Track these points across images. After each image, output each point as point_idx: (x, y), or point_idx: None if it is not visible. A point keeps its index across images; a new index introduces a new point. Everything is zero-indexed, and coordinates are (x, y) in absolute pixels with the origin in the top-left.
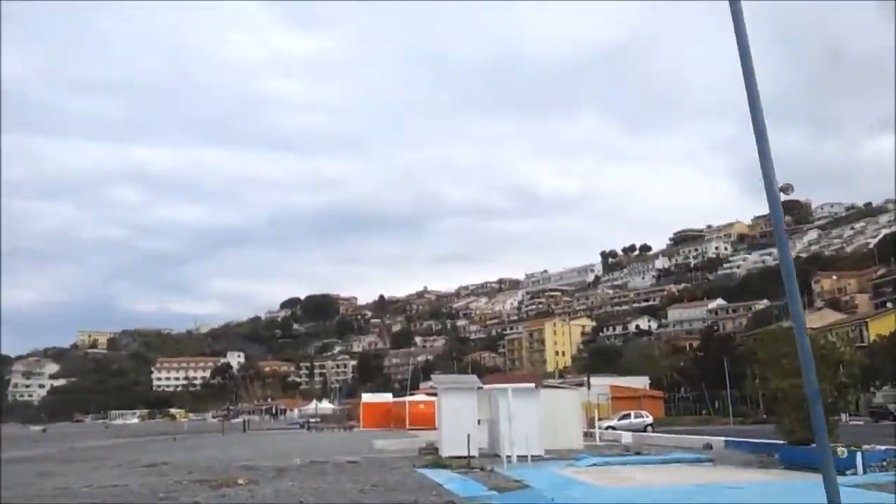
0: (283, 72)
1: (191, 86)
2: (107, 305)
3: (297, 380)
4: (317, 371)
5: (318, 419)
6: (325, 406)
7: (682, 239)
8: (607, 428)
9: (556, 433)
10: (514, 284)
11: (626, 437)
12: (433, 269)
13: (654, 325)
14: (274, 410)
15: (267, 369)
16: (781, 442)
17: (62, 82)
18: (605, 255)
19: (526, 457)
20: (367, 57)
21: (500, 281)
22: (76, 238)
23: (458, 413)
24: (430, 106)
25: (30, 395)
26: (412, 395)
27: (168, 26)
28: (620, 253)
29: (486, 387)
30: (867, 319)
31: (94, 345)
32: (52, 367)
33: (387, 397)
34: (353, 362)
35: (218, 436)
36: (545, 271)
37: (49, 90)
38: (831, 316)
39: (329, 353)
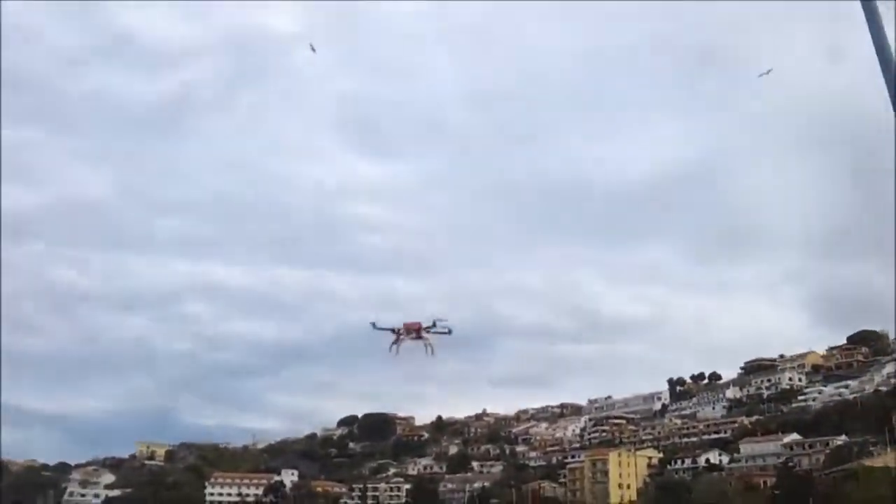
0: (356, 195)
1: (268, 207)
2: (168, 417)
3: (349, 502)
4: (370, 494)
5: None
6: None
7: (754, 368)
8: None
9: None
10: (577, 410)
11: None
12: (493, 391)
13: (725, 459)
14: None
15: (319, 489)
16: None
17: (147, 203)
18: (672, 383)
19: None
20: (435, 182)
21: (562, 406)
22: (147, 350)
23: None
24: (499, 229)
25: None
26: None
27: (249, 153)
28: (689, 381)
29: None
30: None
31: (151, 456)
32: (109, 478)
33: None
34: (408, 486)
35: None
36: (609, 397)
37: (135, 210)
38: None
39: (383, 475)
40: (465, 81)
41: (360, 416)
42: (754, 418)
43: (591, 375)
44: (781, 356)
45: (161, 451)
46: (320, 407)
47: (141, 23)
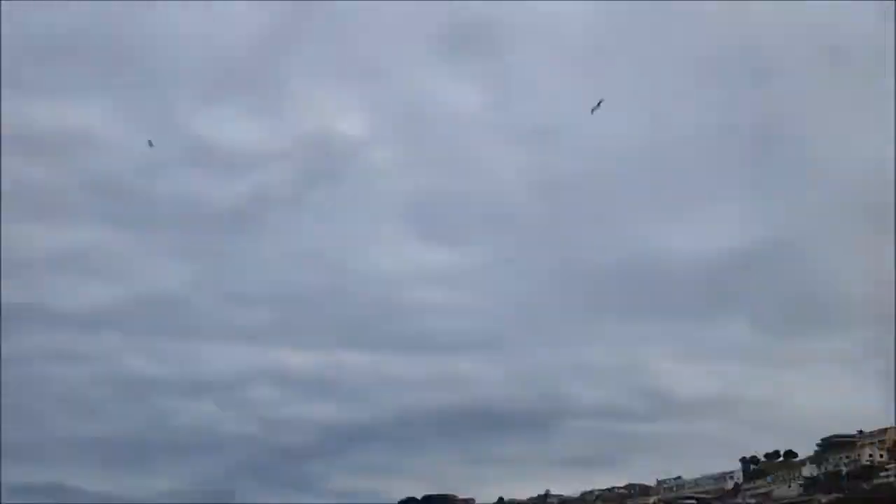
0: (421, 281)
1: (335, 294)
2: (227, 499)
3: None
4: None
5: None
6: None
7: (831, 445)
8: None
9: None
10: (645, 490)
11: None
12: (558, 472)
13: None
14: None
15: None
16: None
17: (222, 295)
18: (745, 461)
19: None
20: (501, 264)
21: (629, 486)
22: (212, 434)
23: None
24: (565, 308)
25: None
26: None
27: (320, 246)
28: (763, 459)
29: None
30: None
31: None
32: None
33: None
34: None
35: None
36: (679, 477)
37: (210, 301)
38: None
39: None
40: (530, 171)
41: (419, 497)
42: (833, 496)
43: (659, 455)
44: (860, 432)
45: None
46: (380, 487)
47: (217, 128)
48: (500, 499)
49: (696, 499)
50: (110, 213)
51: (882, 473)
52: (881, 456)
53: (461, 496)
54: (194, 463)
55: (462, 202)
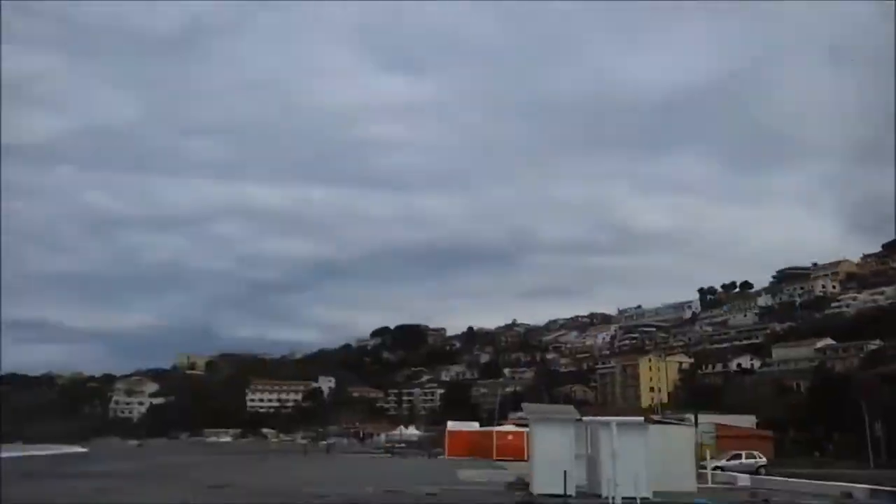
0: (381, 114)
1: (294, 128)
2: (207, 331)
3: (385, 406)
4: (404, 398)
5: (404, 445)
6: (412, 432)
7: (786, 277)
8: (715, 468)
9: (664, 473)
10: (607, 319)
11: (744, 480)
12: (524, 303)
13: (756, 364)
14: (361, 434)
15: (356, 395)
16: None
17: (175, 125)
18: (703, 292)
19: (634, 499)
20: (463, 98)
21: (592, 315)
22: (183, 269)
23: (552, 446)
24: (528, 144)
25: (130, 412)
26: (500, 425)
27: (274, 73)
28: (720, 290)
29: (586, 419)
30: None
31: (192, 367)
32: (153, 387)
33: (473, 426)
34: (441, 391)
35: (300, 457)
36: (639, 307)
37: (163, 133)
38: None
39: (417, 382)
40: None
41: (392, 327)
42: (786, 325)
43: (621, 286)
44: (815, 264)
45: (201, 362)
46: (354, 319)
47: None
48: (470, 328)
49: (656, 327)
50: (44, 37)
51: (834, 304)
52: (833, 287)
53: (432, 326)
54: (170, 298)
55: (420, 29)
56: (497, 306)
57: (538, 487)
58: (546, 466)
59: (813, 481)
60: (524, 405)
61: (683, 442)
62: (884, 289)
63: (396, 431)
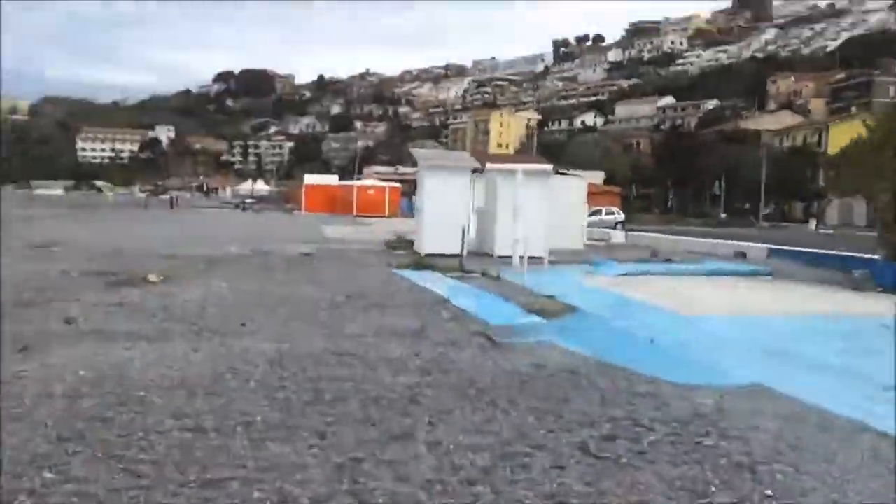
0: None
1: None
2: (26, 71)
3: (231, 159)
4: (251, 151)
5: (254, 200)
6: (261, 187)
7: (638, 31)
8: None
9: (556, 229)
10: (461, 71)
11: (617, 237)
12: (377, 51)
13: (600, 121)
14: (205, 188)
15: (198, 146)
16: (866, 256)
17: None
18: (556, 45)
19: (538, 259)
20: None
21: (447, 67)
22: None
23: (446, 199)
24: None
25: None
26: (359, 179)
27: None
28: (573, 43)
29: (490, 166)
30: (830, 123)
31: (13, 111)
32: None
33: (332, 180)
34: (290, 144)
35: (140, 211)
36: (494, 58)
37: None
38: (788, 118)
39: (264, 133)
40: None
41: (236, 72)
42: (633, 81)
43: (476, 37)
44: (667, 18)
45: (24, 105)
46: (192, 61)
47: None
48: (321, 76)
49: (509, 80)
50: None
51: (679, 61)
52: (681, 44)
53: (280, 72)
54: None
55: None
56: (350, 54)
57: (426, 247)
58: (437, 223)
59: (697, 239)
60: (414, 150)
61: (576, 195)
62: (728, 48)
63: (245, 186)
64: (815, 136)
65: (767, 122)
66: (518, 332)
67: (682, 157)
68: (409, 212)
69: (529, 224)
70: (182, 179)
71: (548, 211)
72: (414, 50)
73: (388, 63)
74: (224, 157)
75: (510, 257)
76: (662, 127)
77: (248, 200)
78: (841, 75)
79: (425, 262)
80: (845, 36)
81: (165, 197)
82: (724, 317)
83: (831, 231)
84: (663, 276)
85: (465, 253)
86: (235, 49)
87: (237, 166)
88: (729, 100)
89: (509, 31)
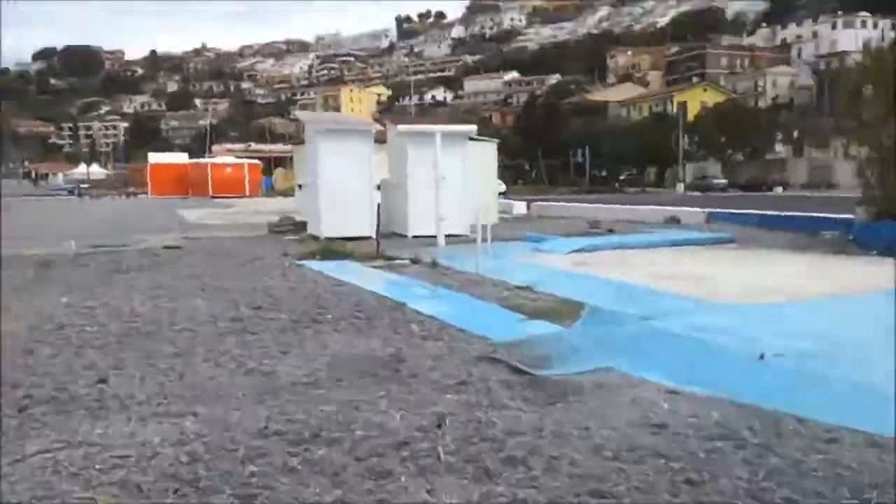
0: None
1: None
2: None
3: (59, 142)
4: (82, 133)
5: (90, 185)
6: (97, 170)
7: (478, 9)
8: None
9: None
10: (304, 47)
11: (519, 208)
12: (213, 25)
13: (450, 96)
14: (33, 175)
15: (23, 130)
16: (831, 216)
17: None
18: (399, 21)
19: (443, 237)
20: None
21: (288, 42)
22: None
23: (347, 170)
24: None
25: None
26: (212, 156)
27: None
28: (416, 19)
29: (401, 127)
30: (673, 93)
31: None
32: None
33: (181, 158)
34: (125, 124)
35: None
36: (337, 33)
37: None
38: (631, 90)
39: (95, 114)
40: None
41: (59, 48)
42: (477, 57)
43: (317, 11)
44: None
45: None
46: (6, 37)
47: None
48: (153, 52)
49: (354, 56)
50: None
51: (520, 37)
52: (520, 21)
53: (108, 48)
54: None
55: None
56: (184, 29)
57: (326, 228)
58: (338, 200)
59: (623, 206)
60: (300, 114)
61: (489, 162)
62: (564, 24)
63: (78, 170)
64: (660, 106)
65: (613, 94)
66: (545, 353)
67: (548, 128)
68: (270, 190)
69: (448, 197)
70: (6, 167)
71: (467, 180)
72: (251, 24)
73: (225, 38)
74: (52, 141)
75: (428, 237)
76: (510, 101)
77: (84, 186)
78: (674, 49)
79: (333, 249)
80: (672, 13)
81: None
82: (798, 305)
83: (697, 193)
84: (625, 251)
85: (376, 235)
86: (56, 23)
87: (67, 150)
88: (570, 74)
89: (351, 6)
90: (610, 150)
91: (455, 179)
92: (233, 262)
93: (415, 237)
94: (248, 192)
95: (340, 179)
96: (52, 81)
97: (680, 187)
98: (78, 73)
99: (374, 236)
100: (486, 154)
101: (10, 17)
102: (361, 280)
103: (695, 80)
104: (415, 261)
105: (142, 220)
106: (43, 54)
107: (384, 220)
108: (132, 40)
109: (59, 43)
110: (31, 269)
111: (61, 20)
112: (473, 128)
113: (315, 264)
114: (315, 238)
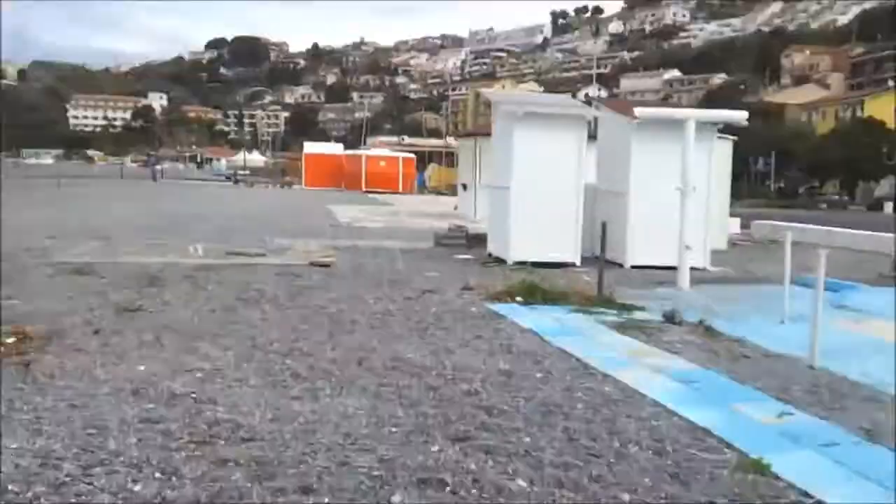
0: None
1: None
2: (17, 35)
3: (225, 129)
4: (246, 121)
5: (248, 172)
6: (256, 158)
7: (639, 2)
8: None
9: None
10: (458, 42)
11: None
12: (373, 20)
13: (604, 93)
14: (199, 159)
15: (192, 115)
16: None
17: None
18: (555, 16)
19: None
20: None
21: (443, 37)
22: None
23: (553, 170)
24: None
25: None
26: (367, 148)
27: None
28: (571, 14)
29: (638, 111)
30: (864, 98)
31: (1, 76)
32: None
33: (336, 149)
34: (286, 114)
35: (115, 184)
36: (491, 29)
37: None
38: (814, 93)
39: (259, 103)
40: None
41: (229, 39)
42: (635, 54)
43: (472, 6)
44: None
45: (13, 71)
46: (185, 28)
47: None
48: (315, 45)
49: (507, 52)
50: None
51: (682, 34)
52: (684, 16)
53: (273, 40)
54: None
55: None
56: (345, 23)
57: (516, 250)
58: (534, 210)
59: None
60: (485, 91)
61: (724, 166)
62: (731, 20)
63: (239, 157)
64: (847, 112)
65: (791, 96)
66: None
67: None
68: (422, 186)
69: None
70: (175, 149)
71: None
72: (408, 19)
73: (382, 33)
74: (218, 127)
75: (653, 269)
76: (669, 100)
77: (241, 173)
78: (860, 49)
79: (537, 286)
80: (855, 10)
81: (151, 168)
82: None
83: None
84: None
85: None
86: (227, 15)
87: (232, 137)
88: (737, 74)
89: (506, 1)
90: (802, 158)
91: (699, 189)
92: (399, 294)
93: (634, 267)
94: (401, 188)
95: (542, 183)
96: (222, 71)
97: (888, 206)
98: (245, 63)
99: (578, 263)
100: (722, 155)
101: (190, 6)
102: (616, 363)
103: (891, 83)
104: (670, 318)
105: (290, 217)
106: (214, 44)
107: (587, 241)
108: (296, 33)
109: (230, 34)
110: (122, 292)
111: (233, 12)
112: (743, 114)
113: (519, 313)
114: (499, 261)
